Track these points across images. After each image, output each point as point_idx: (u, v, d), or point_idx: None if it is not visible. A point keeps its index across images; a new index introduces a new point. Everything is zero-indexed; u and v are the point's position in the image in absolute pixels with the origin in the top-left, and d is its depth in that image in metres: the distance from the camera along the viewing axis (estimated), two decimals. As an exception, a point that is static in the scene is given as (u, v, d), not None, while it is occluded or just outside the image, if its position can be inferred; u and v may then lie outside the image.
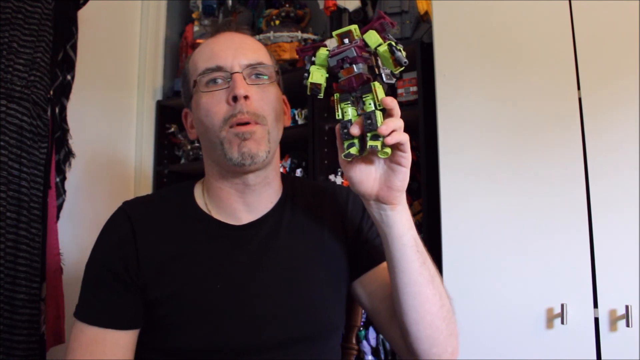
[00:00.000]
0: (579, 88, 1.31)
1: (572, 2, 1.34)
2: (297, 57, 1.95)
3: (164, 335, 0.83)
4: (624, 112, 1.25)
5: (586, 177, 1.27)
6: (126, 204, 0.91)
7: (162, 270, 0.84)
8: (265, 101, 0.85)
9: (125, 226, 0.87)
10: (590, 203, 1.26)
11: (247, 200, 0.88)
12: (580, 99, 1.30)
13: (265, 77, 0.87)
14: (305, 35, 2.00)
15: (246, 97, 0.82)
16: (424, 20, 1.75)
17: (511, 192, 1.35)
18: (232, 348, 0.81)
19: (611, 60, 1.28)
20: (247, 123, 0.82)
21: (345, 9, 1.88)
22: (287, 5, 2.07)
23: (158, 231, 0.87)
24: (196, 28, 2.17)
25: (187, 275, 0.84)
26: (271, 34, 1.97)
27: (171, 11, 2.25)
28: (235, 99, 0.82)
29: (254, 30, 2.19)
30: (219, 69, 0.84)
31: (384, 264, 0.86)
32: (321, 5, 1.93)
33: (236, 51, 0.86)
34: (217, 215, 0.89)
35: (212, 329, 0.81)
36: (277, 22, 2.04)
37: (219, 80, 0.85)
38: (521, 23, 1.40)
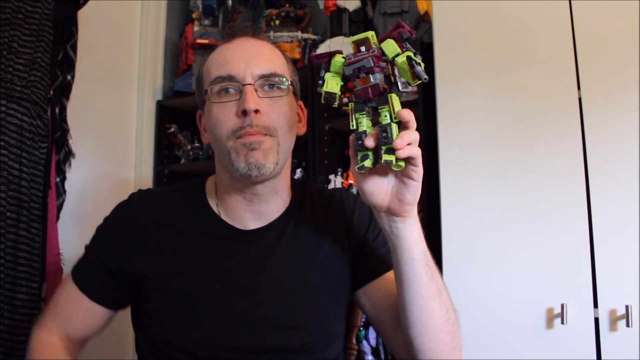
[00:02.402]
0: (579, 88, 1.31)
1: (572, 2, 1.34)
2: (297, 57, 1.95)
3: (157, 322, 0.85)
4: (624, 112, 1.25)
5: (586, 177, 1.27)
6: (137, 193, 0.94)
7: (162, 262, 0.86)
8: (277, 114, 0.83)
9: (128, 211, 0.90)
10: (590, 203, 1.26)
11: (254, 209, 0.88)
12: (580, 99, 1.30)
13: (281, 87, 0.85)
14: (305, 35, 1.99)
15: (257, 111, 0.81)
16: (424, 20, 1.75)
17: (511, 192, 1.35)
18: (222, 348, 0.82)
19: (611, 60, 1.28)
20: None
21: (345, 9, 1.88)
22: (287, 5, 2.07)
23: (164, 219, 0.89)
24: (196, 28, 2.17)
25: (188, 270, 0.85)
26: (271, 34, 1.97)
27: (171, 11, 2.25)
28: (245, 112, 0.80)
29: (254, 30, 2.19)
30: (230, 78, 0.83)
31: (389, 274, 0.86)
32: (321, 5, 1.93)
33: (250, 60, 0.84)
34: (224, 217, 0.90)
35: (207, 327, 0.82)
36: (277, 22, 2.04)
37: (231, 90, 0.83)
38: (521, 23, 1.40)
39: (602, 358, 1.19)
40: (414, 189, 0.71)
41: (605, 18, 1.30)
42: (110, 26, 1.97)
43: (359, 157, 0.71)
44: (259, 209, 0.88)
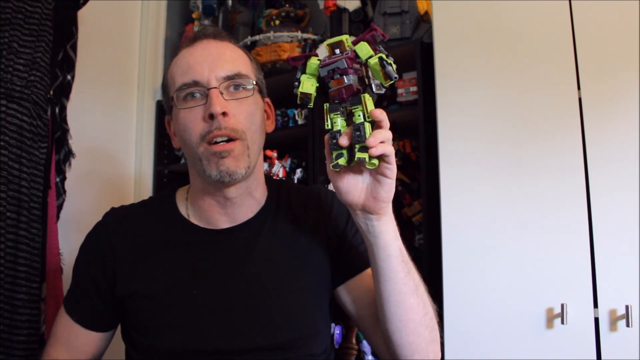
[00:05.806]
0: (579, 88, 1.31)
1: (572, 2, 1.34)
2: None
3: (143, 334, 0.86)
4: (624, 112, 1.25)
5: (586, 177, 1.27)
6: (110, 212, 0.95)
7: (138, 271, 0.87)
8: (244, 115, 0.84)
9: (103, 233, 0.91)
10: (590, 203, 1.26)
11: (228, 211, 0.89)
12: (580, 99, 1.30)
13: (247, 87, 0.86)
14: (305, 35, 1.99)
15: (224, 114, 0.81)
16: (424, 20, 1.75)
17: (511, 193, 1.35)
18: (207, 351, 0.82)
19: (611, 60, 1.28)
20: (226, 140, 0.82)
21: (345, 9, 1.88)
22: (287, 5, 2.07)
23: (136, 235, 0.90)
24: (196, 28, 2.17)
25: (163, 277, 0.86)
26: (271, 34, 1.97)
27: (171, 11, 2.25)
28: (211, 116, 0.81)
29: (254, 30, 2.19)
30: (195, 83, 0.84)
31: (368, 271, 0.87)
32: (321, 5, 1.93)
33: (213, 63, 0.84)
34: (196, 221, 0.91)
35: (190, 332, 0.83)
36: (277, 22, 2.04)
37: (197, 95, 0.84)
38: (521, 23, 1.40)
39: (602, 358, 1.19)
40: (388, 187, 0.73)
41: (605, 18, 1.30)
42: (110, 26, 1.97)
43: (333, 156, 0.73)
44: (232, 211, 0.89)
